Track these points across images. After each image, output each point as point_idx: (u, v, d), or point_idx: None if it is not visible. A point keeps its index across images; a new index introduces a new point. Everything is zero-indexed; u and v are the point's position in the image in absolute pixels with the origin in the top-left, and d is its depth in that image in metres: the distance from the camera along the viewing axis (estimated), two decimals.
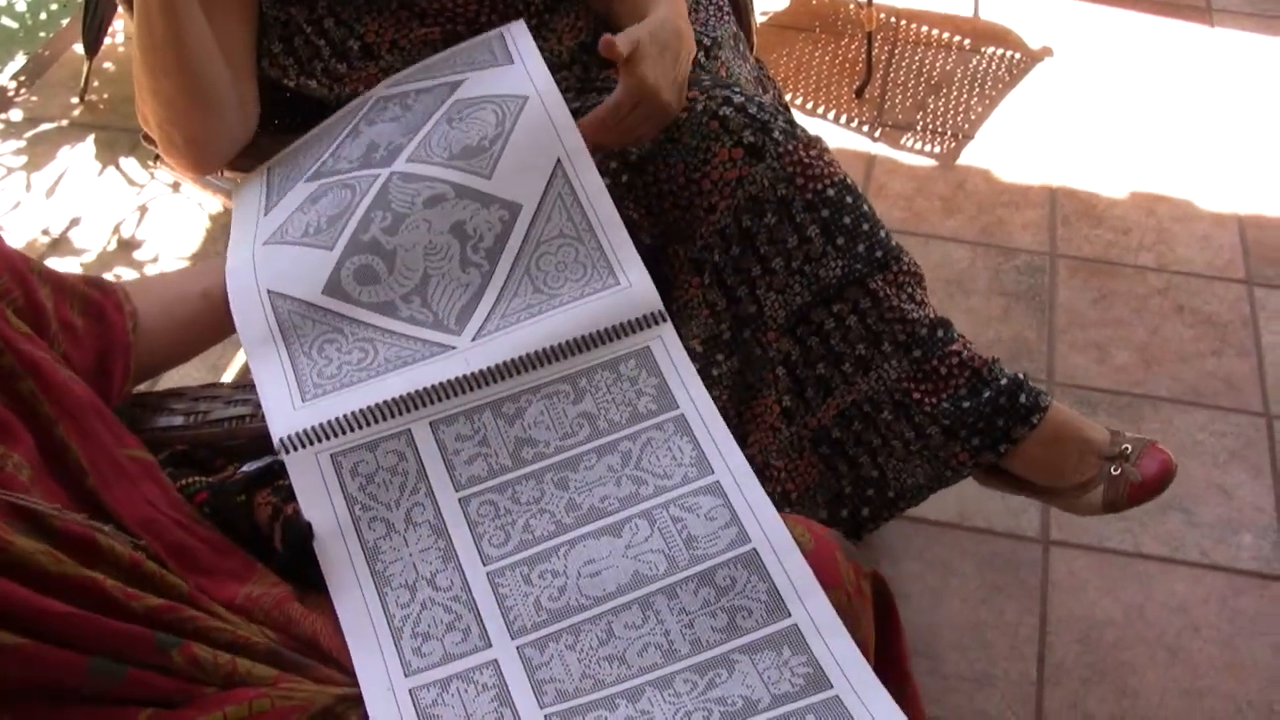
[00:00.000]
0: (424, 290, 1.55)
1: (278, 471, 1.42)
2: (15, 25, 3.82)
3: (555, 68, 1.84)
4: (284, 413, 1.46)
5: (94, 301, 1.47)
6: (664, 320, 1.54)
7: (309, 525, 1.38)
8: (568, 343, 1.51)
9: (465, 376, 1.47)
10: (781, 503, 1.80)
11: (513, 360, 1.49)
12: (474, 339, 1.52)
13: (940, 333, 1.87)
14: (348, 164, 1.68)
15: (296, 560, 1.37)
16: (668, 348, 1.52)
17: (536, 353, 1.50)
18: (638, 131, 1.72)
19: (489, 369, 1.49)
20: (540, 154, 1.61)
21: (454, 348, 1.51)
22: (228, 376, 2.43)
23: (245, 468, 1.42)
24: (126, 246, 3.06)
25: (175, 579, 1.22)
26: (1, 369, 1.27)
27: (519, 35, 1.77)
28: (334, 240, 1.58)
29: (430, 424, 1.44)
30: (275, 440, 1.43)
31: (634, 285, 1.55)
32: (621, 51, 1.63)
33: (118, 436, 1.35)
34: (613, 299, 1.54)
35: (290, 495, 1.40)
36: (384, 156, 1.65)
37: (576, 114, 1.67)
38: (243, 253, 1.63)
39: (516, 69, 1.69)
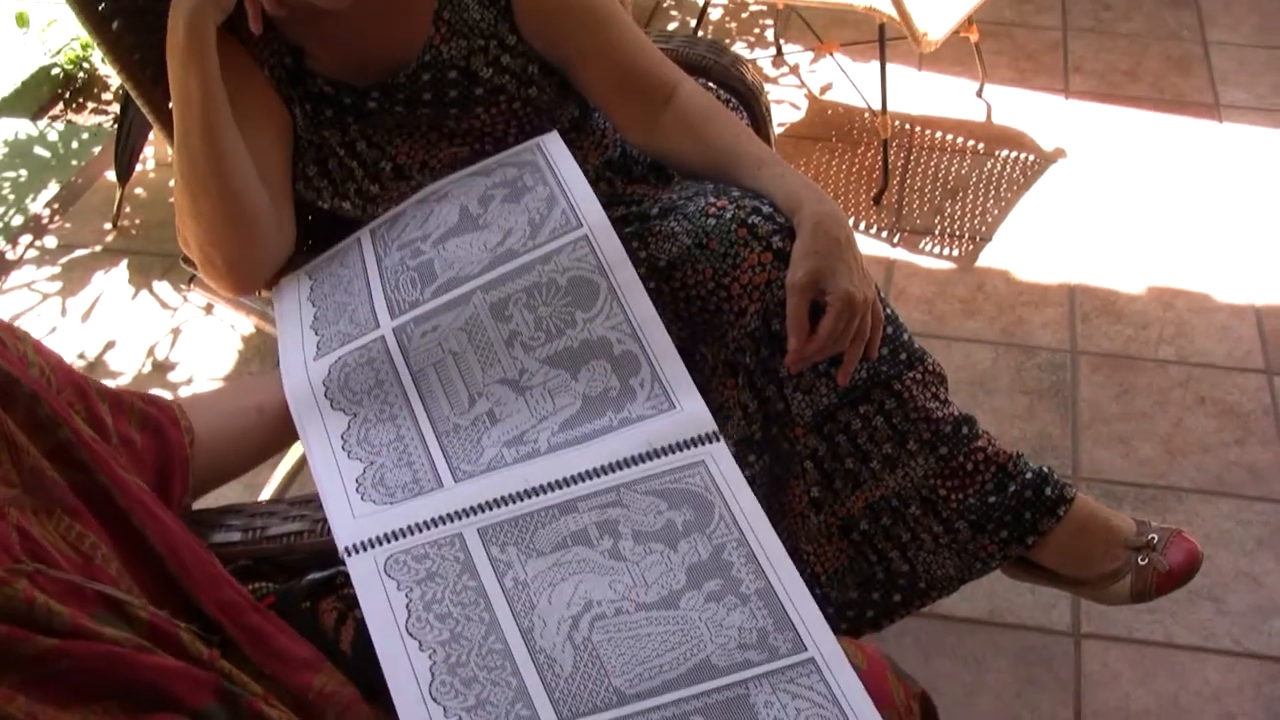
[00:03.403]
0: (486, 411, 1.60)
1: (341, 582, 1.45)
2: (48, 154, 3.90)
3: None
4: (345, 521, 1.49)
5: (151, 417, 1.51)
6: (717, 440, 1.57)
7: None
8: (623, 460, 1.54)
9: (520, 491, 1.51)
10: (810, 584, 1.84)
11: (568, 477, 1.52)
12: (528, 458, 1.55)
13: (965, 430, 1.91)
14: (391, 285, 1.73)
15: (362, 664, 1.39)
16: (719, 464, 1.55)
17: (591, 469, 1.53)
18: (854, 334, 1.78)
19: (543, 484, 1.52)
20: (588, 287, 1.66)
21: (508, 464, 1.55)
22: (265, 494, 2.46)
23: (311, 576, 1.45)
24: (161, 369, 3.12)
25: (250, 679, 1.25)
26: (79, 462, 1.30)
27: (557, 154, 1.82)
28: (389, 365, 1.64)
29: (479, 530, 1.47)
30: (340, 547, 1.46)
31: (687, 409, 1.58)
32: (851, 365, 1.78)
33: (184, 528, 1.39)
34: (668, 420, 1.58)
35: (356, 602, 1.42)
36: (443, 284, 1.70)
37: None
38: (296, 371, 1.68)
39: (559, 200, 1.74)
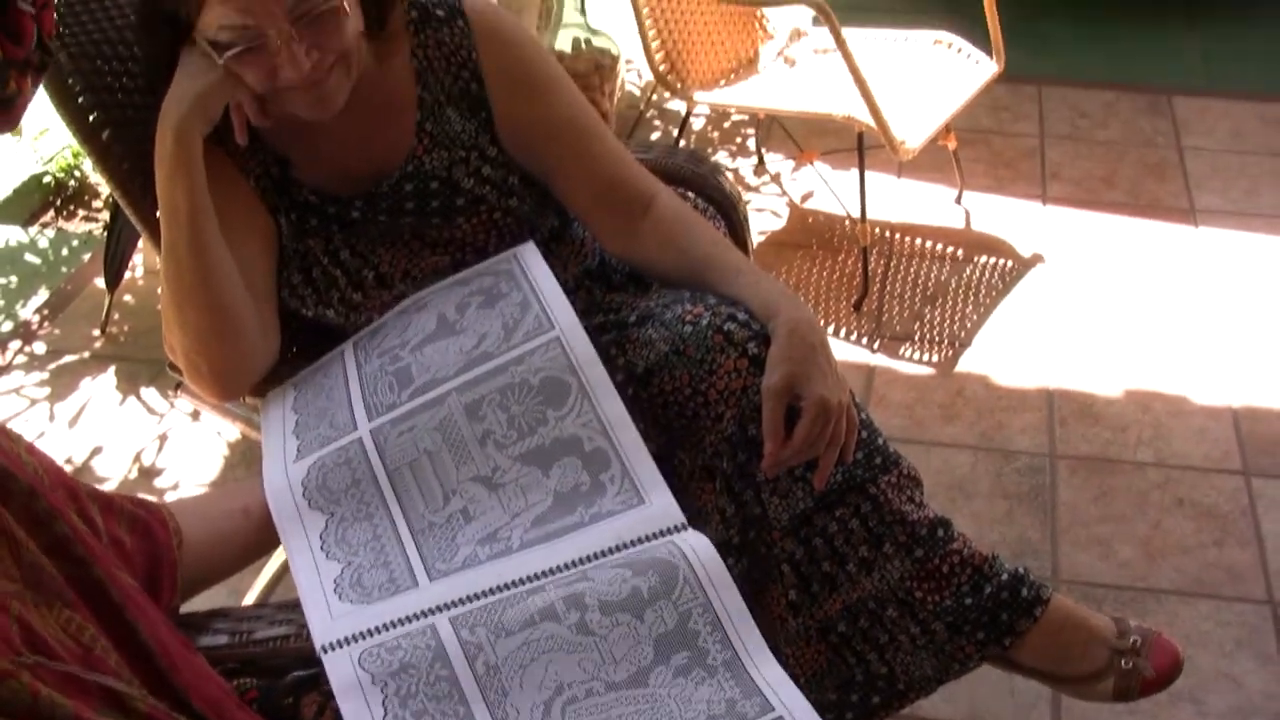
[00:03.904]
0: (460, 509, 1.62)
1: (324, 680, 1.46)
2: (38, 261, 3.93)
3: None
4: (324, 621, 1.50)
5: (140, 519, 1.53)
6: (685, 529, 1.59)
7: None
8: (593, 554, 1.56)
9: (493, 587, 1.53)
10: None
11: (540, 572, 1.54)
12: (502, 556, 1.57)
13: (940, 532, 1.93)
14: (372, 390, 1.76)
15: None
16: (686, 538, 1.57)
17: (562, 564, 1.55)
18: (829, 438, 1.81)
19: (516, 579, 1.54)
20: (560, 386, 1.69)
21: (481, 562, 1.56)
22: (250, 598, 2.47)
23: (295, 674, 1.46)
24: (147, 474, 3.13)
25: None
26: (75, 557, 1.31)
27: (532, 263, 1.86)
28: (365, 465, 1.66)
29: (451, 620, 1.48)
30: (317, 645, 1.47)
31: (656, 504, 1.61)
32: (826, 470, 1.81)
33: (173, 628, 1.40)
34: (637, 515, 1.60)
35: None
36: (419, 387, 1.73)
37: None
38: (276, 474, 1.70)
39: (532, 304, 1.77)
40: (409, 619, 1.49)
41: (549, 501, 1.62)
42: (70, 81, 1.99)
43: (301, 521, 1.63)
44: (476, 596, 1.51)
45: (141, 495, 2.90)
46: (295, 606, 1.62)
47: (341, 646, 1.46)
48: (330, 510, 1.63)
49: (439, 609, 1.50)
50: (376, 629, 1.48)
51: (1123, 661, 1.97)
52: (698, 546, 1.55)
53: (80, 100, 1.99)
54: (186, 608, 1.64)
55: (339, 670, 1.44)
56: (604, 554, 1.56)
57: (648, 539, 1.57)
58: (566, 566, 1.54)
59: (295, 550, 1.61)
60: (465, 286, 1.85)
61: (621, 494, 1.61)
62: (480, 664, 1.43)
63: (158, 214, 1.84)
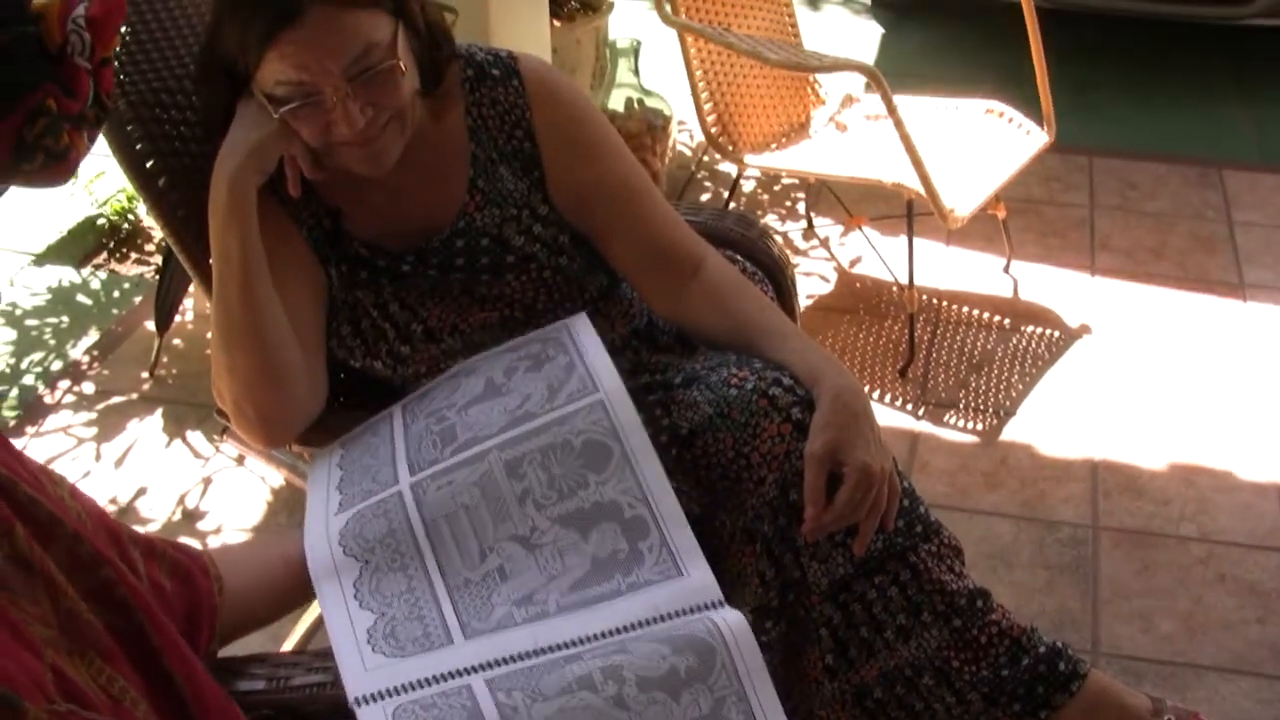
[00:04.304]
0: (496, 567, 1.62)
1: None
2: (90, 302, 3.97)
3: (608, 353, 1.94)
4: (357, 673, 1.51)
5: (181, 565, 1.54)
6: (722, 606, 1.60)
7: None
8: (628, 624, 1.56)
9: (528, 651, 1.53)
10: None
11: (575, 639, 1.54)
12: (538, 619, 1.57)
13: (979, 603, 1.93)
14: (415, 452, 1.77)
15: None
16: (727, 620, 1.57)
17: (598, 632, 1.55)
18: (871, 505, 1.82)
19: (551, 645, 1.54)
20: (602, 450, 1.70)
21: (517, 624, 1.57)
22: (288, 645, 2.48)
23: None
24: (191, 517, 3.15)
25: None
26: (117, 602, 1.32)
27: (582, 331, 1.86)
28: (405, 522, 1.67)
29: (487, 682, 1.48)
30: (350, 697, 1.47)
31: (694, 576, 1.61)
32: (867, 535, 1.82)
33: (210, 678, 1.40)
34: (675, 587, 1.60)
35: None
36: (462, 444, 1.74)
37: (630, 394, 1.78)
38: (317, 527, 1.72)
39: (577, 366, 1.78)
40: (444, 677, 1.49)
41: (586, 566, 1.62)
42: (129, 128, 2.02)
43: (336, 571, 1.64)
44: (512, 660, 1.51)
45: (184, 538, 2.92)
46: (332, 655, 1.63)
47: (375, 701, 1.46)
48: (365, 559, 1.64)
49: (474, 669, 1.50)
50: (411, 684, 1.48)
51: None
52: (736, 629, 1.55)
53: (138, 147, 2.02)
54: (225, 652, 1.65)
55: None
56: (640, 624, 1.56)
57: (684, 613, 1.58)
58: (603, 635, 1.54)
59: (329, 598, 1.61)
60: (515, 353, 1.87)
61: (659, 564, 1.62)
62: None
63: (210, 260, 1.87)
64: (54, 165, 1.23)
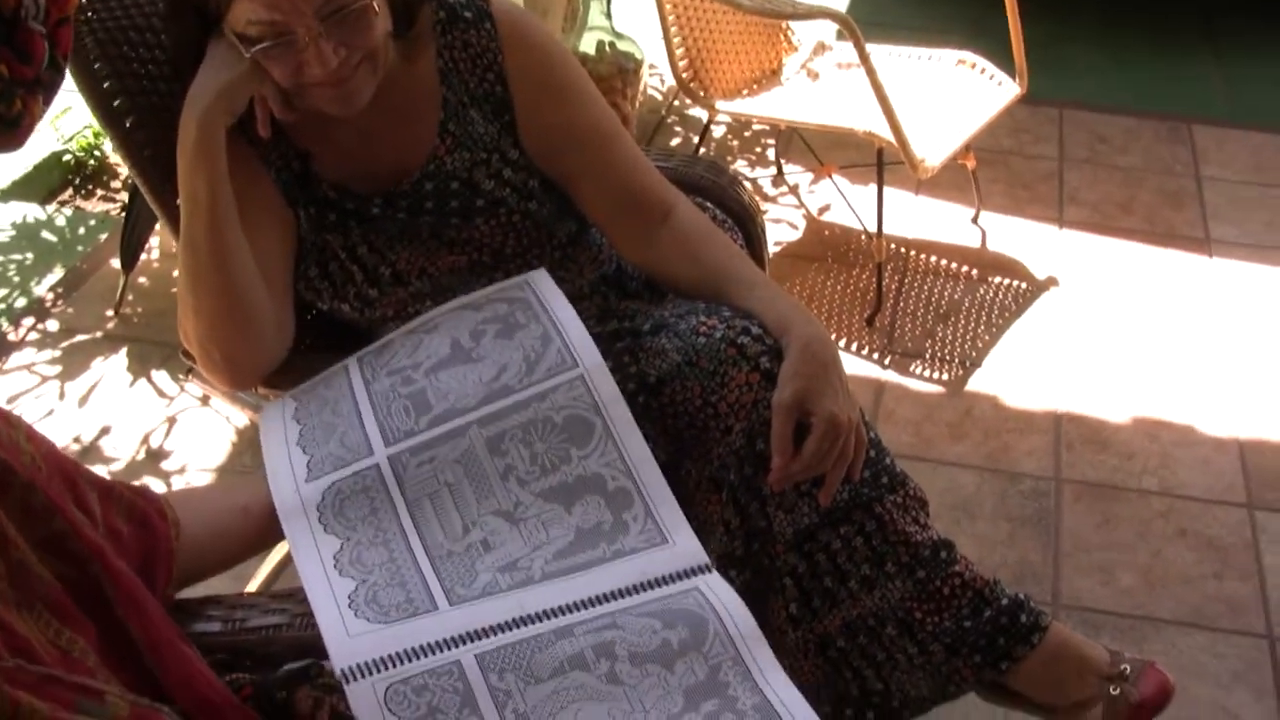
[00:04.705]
0: (480, 540, 1.62)
1: (315, 673, 1.46)
2: (55, 239, 3.94)
3: (576, 299, 1.93)
4: (340, 639, 1.50)
5: (139, 509, 1.53)
6: (709, 571, 1.61)
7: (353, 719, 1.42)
8: (617, 590, 1.56)
9: (516, 618, 1.53)
10: None
11: (562, 605, 1.54)
12: (523, 585, 1.57)
13: (943, 554, 1.94)
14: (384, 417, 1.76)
15: None
16: (713, 588, 1.58)
17: (586, 599, 1.56)
18: (837, 455, 1.82)
19: (539, 612, 1.54)
20: (584, 426, 1.70)
21: (502, 590, 1.56)
22: (252, 586, 2.48)
23: (287, 666, 1.47)
24: (155, 457, 3.14)
25: None
26: (71, 553, 1.32)
27: (547, 292, 1.86)
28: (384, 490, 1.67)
29: (476, 657, 1.48)
30: (336, 669, 1.46)
31: (679, 544, 1.62)
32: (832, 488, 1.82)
33: (168, 622, 1.40)
34: (660, 554, 1.61)
35: (330, 689, 1.43)
36: (438, 415, 1.73)
37: (595, 339, 1.77)
38: (287, 491, 1.69)
39: (554, 339, 1.77)
40: (432, 648, 1.49)
41: (570, 536, 1.62)
42: (96, 66, 1.99)
43: (315, 542, 1.63)
44: (500, 628, 1.51)
45: (148, 478, 2.94)
46: (290, 596, 1.63)
47: (364, 676, 1.45)
48: (346, 536, 1.63)
49: (462, 639, 1.50)
50: (398, 656, 1.47)
51: (1111, 688, 1.97)
52: (727, 601, 1.56)
53: (105, 85, 2.00)
54: (183, 594, 1.65)
55: (364, 706, 1.43)
56: (628, 591, 1.56)
57: (671, 578, 1.58)
58: (590, 602, 1.55)
59: (308, 567, 1.60)
60: (477, 312, 1.85)
61: (644, 533, 1.62)
62: (510, 711, 1.43)
63: (177, 201, 1.85)
64: (7, 132, 1.20)
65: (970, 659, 1.95)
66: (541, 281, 1.88)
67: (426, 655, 1.48)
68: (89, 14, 2.01)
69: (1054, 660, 1.97)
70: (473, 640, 1.50)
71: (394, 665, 1.47)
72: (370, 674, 1.46)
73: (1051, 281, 3.82)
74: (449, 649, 1.49)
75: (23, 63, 1.19)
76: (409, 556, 1.60)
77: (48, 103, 1.25)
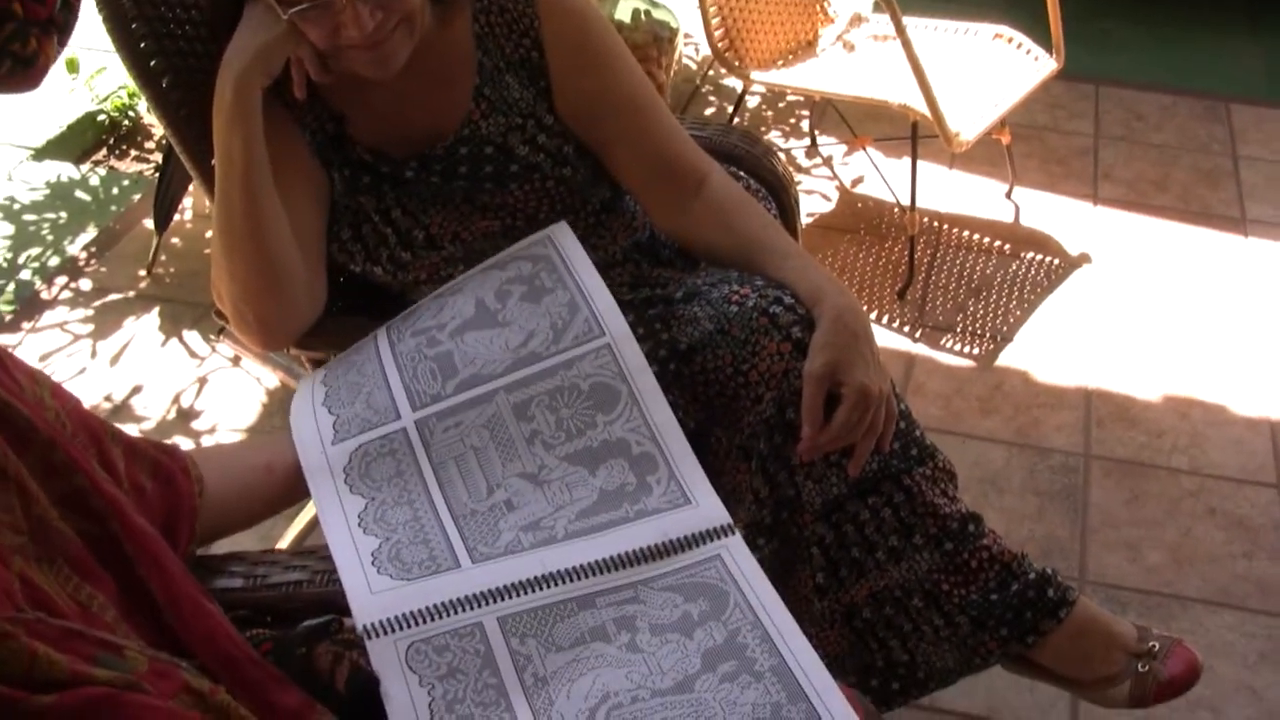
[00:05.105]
0: (504, 500, 1.63)
1: (335, 629, 1.48)
2: (88, 198, 3.97)
3: (609, 265, 1.94)
4: (363, 596, 1.51)
5: (163, 466, 1.54)
6: (733, 533, 1.61)
7: (373, 674, 1.43)
8: (639, 550, 1.57)
9: (538, 577, 1.54)
10: None
11: (585, 564, 1.55)
12: (546, 544, 1.58)
13: (971, 527, 1.93)
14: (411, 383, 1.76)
15: (357, 706, 1.41)
16: (735, 556, 1.58)
17: (608, 558, 1.56)
18: (867, 426, 1.82)
19: (560, 571, 1.55)
20: (609, 392, 1.70)
21: (525, 549, 1.57)
22: (282, 545, 2.50)
23: (307, 622, 1.48)
24: (185, 416, 3.16)
25: (248, 714, 1.27)
26: (92, 510, 1.33)
27: (571, 250, 1.86)
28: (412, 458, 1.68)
29: (499, 620, 1.49)
30: (359, 625, 1.47)
31: (702, 505, 1.62)
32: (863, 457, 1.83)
33: (189, 578, 1.41)
34: (684, 515, 1.61)
35: (350, 645, 1.45)
36: (465, 380, 1.74)
37: (627, 306, 1.78)
38: (313, 452, 1.70)
39: (581, 307, 1.77)
40: (454, 605, 1.50)
41: (594, 497, 1.63)
42: (134, 26, 1.99)
43: (340, 501, 1.64)
44: (521, 587, 1.52)
45: (178, 437, 2.96)
46: (311, 553, 1.64)
47: (385, 633, 1.47)
48: (371, 496, 1.65)
49: (484, 599, 1.51)
50: (420, 614, 1.48)
51: (1139, 665, 1.97)
52: (747, 571, 1.56)
53: (142, 45, 2.00)
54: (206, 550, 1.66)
55: (385, 663, 1.45)
56: (650, 554, 1.57)
57: (694, 540, 1.58)
58: (612, 563, 1.55)
59: (332, 524, 1.61)
60: (502, 271, 1.85)
61: (668, 494, 1.63)
62: (529, 675, 1.45)
63: (212, 162, 1.86)
64: (21, 72, 1.21)
65: (996, 632, 1.94)
66: (564, 237, 1.88)
67: (448, 614, 1.49)
68: None
69: (1081, 635, 1.97)
70: (495, 600, 1.51)
71: (416, 624, 1.48)
72: (392, 631, 1.47)
73: (1085, 258, 3.80)
74: (471, 608, 1.50)
75: (36, 2, 1.20)
76: (433, 516, 1.61)
77: (62, 44, 1.26)
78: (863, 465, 1.84)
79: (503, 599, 1.51)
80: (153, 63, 2.02)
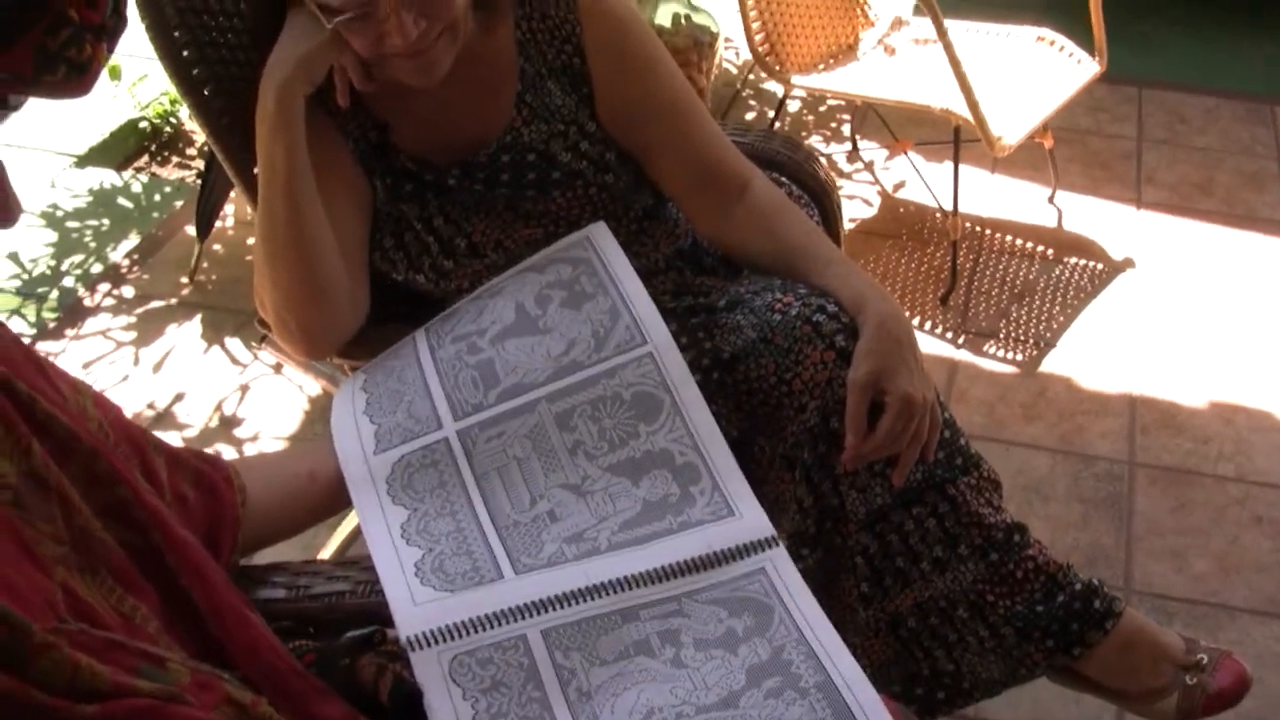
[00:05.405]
0: (547, 511, 1.62)
1: (379, 640, 1.47)
2: (130, 205, 3.98)
3: (651, 273, 1.93)
4: (406, 607, 1.50)
5: (206, 475, 1.54)
6: (776, 545, 1.60)
7: (416, 686, 1.42)
8: (683, 562, 1.56)
9: (581, 589, 1.53)
10: None
11: (629, 576, 1.54)
12: (589, 556, 1.57)
13: (1016, 537, 1.92)
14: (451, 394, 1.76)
15: (401, 718, 1.40)
16: (779, 569, 1.57)
17: (651, 570, 1.55)
18: (912, 435, 1.81)
19: (604, 583, 1.54)
20: (652, 402, 1.69)
21: (568, 560, 1.56)
22: (325, 554, 2.50)
23: (350, 633, 1.47)
24: (228, 424, 3.17)
25: None
26: (134, 520, 1.32)
27: (611, 254, 1.85)
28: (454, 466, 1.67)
29: (543, 633, 1.48)
30: (402, 637, 1.47)
31: (747, 516, 1.61)
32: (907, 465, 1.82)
33: (232, 589, 1.41)
34: (728, 526, 1.60)
35: (394, 657, 1.44)
36: (507, 389, 1.73)
37: (670, 315, 1.77)
38: (355, 463, 1.70)
39: (622, 314, 1.76)
40: (497, 618, 1.49)
41: (637, 508, 1.62)
42: (176, 34, 2.00)
43: (383, 511, 1.64)
44: (566, 599, 1.51)
45: (220, 445, 2.96)
46: (354, 564, 1.64)
47: (429, 645, 1.46)
48: (414, 506, 1.64)
49: (528, 611, 1.50)
50: (464, 626, 1.48)
51: (1188, 678, 1.95)
52: (792, 585, 1.55)
53: (185, 53, 2.01)
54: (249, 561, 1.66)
55: (428, 675, 1.44)
56: (694, 566, 1.56)
57: (738, 553, 1.57)
58: (656, 575, 1.54)
59: (375, 536, 1.61)
60: (541, 275, 1.84)
61: (711, 505, 1.62)
62: (574, 689, 1.44)
63: (254, 170, 1.86)
64: (76, 78, 1.21)
65: (1042, 643, 1.93)
66: (602, 238, 1.86)
67: (492, 627, 1.48)
68: None
69: (1127, 647, 1.95)
70: (538, 613, 1.50)
71: (459, 636, 1.47)
72: (435, 643, 1.46)
73: (1128, 263, 3.77)
74: (515, 620, 1.49)
75: (90, 8, 1.20)
76: (475, 527, 1.61)
77: (111, 49, 1.26)
78: (907, 474, 1.82)
79: (546, 611, 1.50)
80: (195, 71, 2.02)
